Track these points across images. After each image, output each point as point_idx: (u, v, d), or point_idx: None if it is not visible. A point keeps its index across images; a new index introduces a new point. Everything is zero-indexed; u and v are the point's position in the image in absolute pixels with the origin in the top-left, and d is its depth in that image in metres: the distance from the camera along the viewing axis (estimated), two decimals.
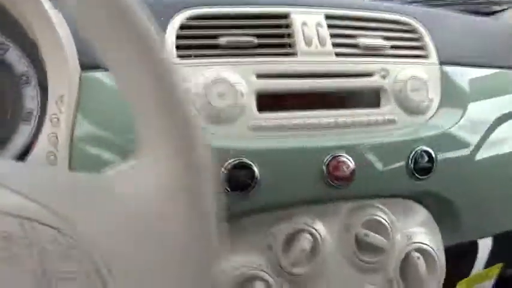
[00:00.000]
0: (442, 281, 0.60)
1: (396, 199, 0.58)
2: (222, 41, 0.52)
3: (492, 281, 0.75)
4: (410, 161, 0.55)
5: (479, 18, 0.72)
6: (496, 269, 0.74)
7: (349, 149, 0.53)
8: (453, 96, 0.60)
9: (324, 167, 0.51)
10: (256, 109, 0.52)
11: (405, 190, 0.56)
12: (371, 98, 0.57)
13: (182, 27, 0.52)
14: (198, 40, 0.52)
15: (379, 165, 0.54)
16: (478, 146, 0.59)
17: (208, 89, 0.49)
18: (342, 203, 0.55)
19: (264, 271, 0.51)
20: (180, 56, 0.51)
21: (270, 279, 0.51)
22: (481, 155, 0.59)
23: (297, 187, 0.51)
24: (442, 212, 0.60)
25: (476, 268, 0.68)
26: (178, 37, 0.52)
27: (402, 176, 0.55)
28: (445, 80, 0.60)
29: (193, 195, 0.27)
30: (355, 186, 0.53)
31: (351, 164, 0.52)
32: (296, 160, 0.51)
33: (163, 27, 0.51)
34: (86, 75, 0.47)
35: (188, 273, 0.27)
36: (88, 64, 0.47)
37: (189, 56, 0.51)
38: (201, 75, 0.50)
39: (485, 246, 0.67)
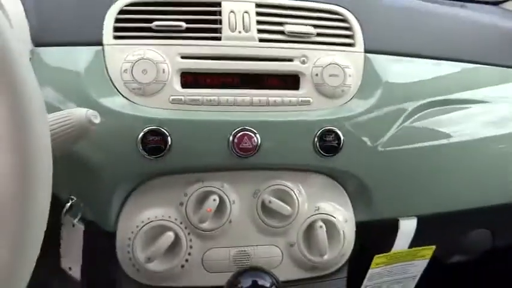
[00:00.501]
0: (347, 252, 0.66)
1: (307, 173, 0.64)
2: (154, 25, 0.60)
3: (425, 261, 0.79)
4: (316, 139, 0.61)
5: (425, 9, 0.75)
6: (428, 250, 0.78)
7: (257, 124, 0.60)
8: (371, 83, 0.65)
9: (231, 139, 0.59)
10: (179, 85, 0.60)
11: (314, 166, 0.63)
12: (291, 81, 0.63)
13: (121, 12, 0.61)
14: (134, 23, 0.61)
15: (286, 141, 0.61)
16: (388, 133, 0.64)
17: (134, 67, 0.58)
18: (250, 171, 0.62)
19: (175, 223, 0.60)
20: (116, 37, 0.60)
21: (180, 231, 0.60)
22: (390, 141, 0.64)
23: (206, 155, 0.59)
24: (354, 189, 0.66)
25: (398, 246, 0.73)
26: (117, 20, 0.60)
27: (309, 152, 0.61)
28: (368, 67, 0.65)
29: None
30: (259, 158, 0.60)
31: (256, 137, 0.59)
32: (206, 131, 0.59)
33: (104, 11, 0.60)
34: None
35: None
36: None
37: (124, 38, 0.60)
38: (131, 54, 0.59)
39: (408, 226, 0.72)
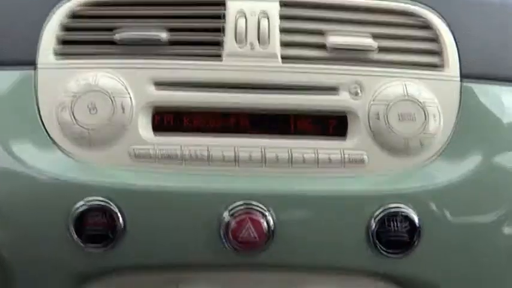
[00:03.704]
0: None
1: (356, 277, 0.39)
2: (118, 35, 0.39)
3: None
4: (373, 226, 0.35)
5: None
6: None
7: (270, 198, 0.35)
8: (472, 131, 0.38)
9: (224, 223, 0.35)
10: (148, 130, 0.38)
11: (367, 270, 0.37)
12: (333, 126, 0.39)
13: (72, 15, 0.40)
14: (88, 34, 0.39)
15: (320, 227, 0.36)
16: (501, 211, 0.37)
17: (77, 101, 0.37)
18: (258, 272, 0.38)
19: None
20: (59, 54, 0.39)
21: None
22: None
23: (183, 248, 0.36)
24: None
25: None
26: (65, 29, 0.40)
27: (360, 247, 0.36)
28: (467, 103, 0.39)
29: None
30: (272, 255, 0.36)
31: (266, 220, 0.35)
32: (185, 210, 0.36)
33: (45, 15, 0.40)
34: None
35: None
36: None
37: (70, 55, 0.39)
38: (75, 81, 0.37)
39: None
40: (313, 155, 0.37)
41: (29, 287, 0.37)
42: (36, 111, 0.37)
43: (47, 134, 0.37)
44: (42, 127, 0.37)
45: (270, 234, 0.35)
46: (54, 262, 0.36)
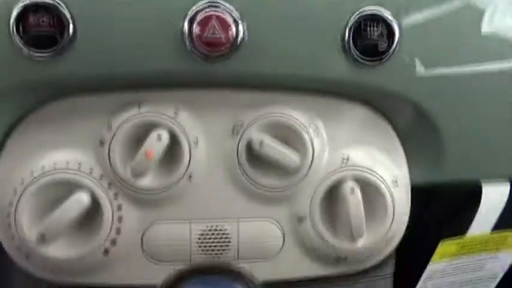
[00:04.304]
0: (397, 234, 0.39)
1: (330, 97, 0.37)
2: None
3: None
4: (348, 32, 0.33)
5: None
6: None
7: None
8: None
9: (186, 24, 0.32)
10: None
11: (341, 81, 0.35)
12: None
13: None
14: None
15: (293, 33, 0.33)
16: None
17: None
18: (226, 89, 0.35)
19: (91, 178, 0.34)
20: None
21: (99, 191, 0.34)
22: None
23: (143, 55, 0.32)
24: (411, 129, 0.38)
25: (477, 227, 0.45)
26: None
27: (335, 56, 0.34)
28: None
29: None
30: (241, 62, 0.33)
31: (235, 21, 0.32)
32: (142, 7, 0.32)
33: None
34: None
35: None
36: None
37: None
38: None
39: (495, 195, 0.43)
40: None
41: None
42: None
43: None
44: None
45: (238, 37, 0.32)
46: None
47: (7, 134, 0.35)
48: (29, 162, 0.34)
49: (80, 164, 0.34)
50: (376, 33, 0.33)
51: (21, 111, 0.34)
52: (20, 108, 0.34)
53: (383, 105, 0.38)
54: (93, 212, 0.34)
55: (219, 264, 0.29)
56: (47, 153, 0.34)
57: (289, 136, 0.35)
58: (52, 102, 0.34)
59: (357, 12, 0.33)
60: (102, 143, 0.34)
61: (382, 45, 0.33)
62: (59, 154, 0.34)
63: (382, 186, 0.36)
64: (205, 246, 0.36)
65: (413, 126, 0.38)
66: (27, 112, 0.35)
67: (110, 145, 0.34)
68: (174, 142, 0.34)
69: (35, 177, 0.33)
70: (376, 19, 0.33)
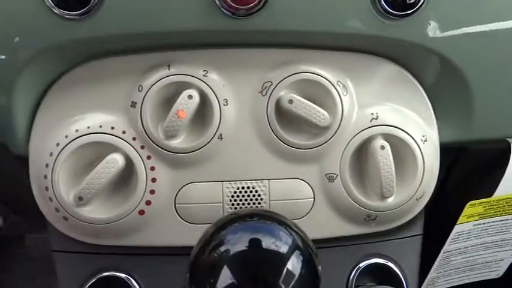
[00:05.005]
0: (427, 192, 0.39)
1: (357, 53, 0.37)
2: None
3: None
4: None
5: None
6: None
7: None
8: None
9: None
10: None
11: (370, 35, 0.35)
12: None
13: None
14: None
15: None
16: None
17: None
18: (253, 48, 0.35)
19: (124, 139, 0.34)
20: None
21: (133, 152, 0.34)
22: None
23: (172, 14, 0.32)
24: (439, 85, 0.38)
25: (505, 188, 0.45)
26: None
27: (363, 9, 0.33)
28: None
29: None
30: (269, 19, 0.33)
31: None
32: None
33: None
34: None
35: None
36: None
37: None
38: None
39: None
40: None
41: (7, 72, 0.33)
42: None
43: None
44: None
45: None
46: (30, 36, 0.32)
47: (40, 97, 0.35)
48: (62, 125, 0.35)
49: (112, 126, 0.34)
50: None
51: (53, 74, 0.35)
52: (52, 70, 0.35)
53: (411, 61, 0.37)
54: (127, 173, 0.35)
55: (261, 211, 0.29)
56: (79, 115, 0.35)
57: (317, 94, 0.35)
58: (82, 64, 0.35)
59: None
60: (133, 104, 0.34)
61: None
62: (92, 116, 0.35)
63: (412, 142, 0.36)
64: (238, 205, 0.36)
65: (442, 83, 0.38)
66: (59, 75, 0.35)
67: (141, 106, 0.34)
68: (203, 102, 0.34)
69: (70, 140, 0.34)
70: None
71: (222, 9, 0.32)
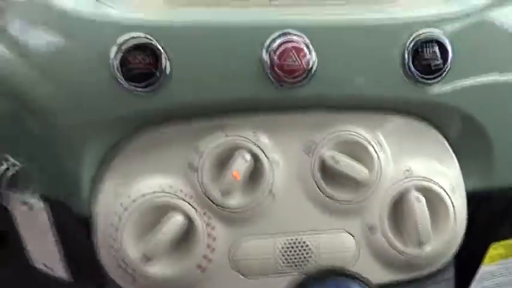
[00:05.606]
0: (458, 238, 0.42)
1: (389, 115, 0.40)
2: None
3: None
4: (407, 53, 0.37)
5: None
6: None
7: (309, 29, 0.36)
8: None
9: (266, 53, 0.35)
10: None
11: (403, 98, 0.39)
12: None
13: None
14: None
15: (357, 57, 0.37)
16: None
17: None
18: (299, 113, 0.39)
19: (184, 199, 0.37)
20: None
21: (192, 211, 0.37)
22: None
23: (227, 83, 0.36)
24: (462, 139, 0.42)
25: None
26: None
27: (396, 75, 0.37)
28: None
29: None
30: (314, 87, 0.36)
31: (309, 50, 0.35)
32: (226, 42, 0.35)
33: None
34: None
35: None
36: None
37: None
38: None
39: None
40: None
41: (77, 139, 0.36)
42: None
43: None
44: None
45: (311, 65, 0.36)
46: (99, 107, 0.35)
47: (103, 162, 0.38)
48: (125, 187, 0.37)
49: (171, 186, 0.37)
50: (430, 53, 0.37)
51: (115, 139, 0.38)
52: (113, 137, 0.38)
53: (436, 118, 0.41)
54: (187, 232, 0.37)
55: (335, 269, 0.31)
56: (140, 179, 0.37)
57: (355, 152, 0.39)
58: (143, 130, 0.38)
59: (413, 36, 0.37)
60: (191, 166, 0.37)
61: (437, 64, 0.37)
62: (152, 179, 0.37)
63: (443, 193, 0.39)
64: (290, 259, 0.39)
65: (465, 137, 0.41)
66: (120, 140, 0.38)
67: (200, 168, 0.37)
68: (256, 162, 0.37)
69: (134, 200, 0.36)
70: (431, 40, 0.37)
71: (271, 80, 0.35)
